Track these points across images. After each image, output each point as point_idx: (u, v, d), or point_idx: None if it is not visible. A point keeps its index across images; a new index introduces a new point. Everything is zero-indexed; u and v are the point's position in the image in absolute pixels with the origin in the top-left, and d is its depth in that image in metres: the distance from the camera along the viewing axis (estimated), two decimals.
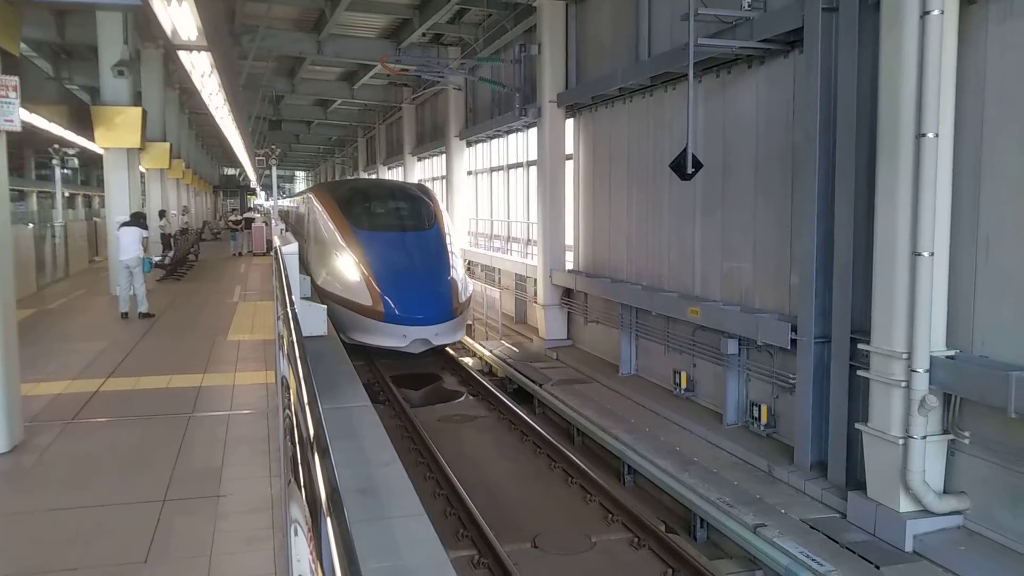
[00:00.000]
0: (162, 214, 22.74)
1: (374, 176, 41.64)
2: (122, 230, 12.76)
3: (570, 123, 17.67)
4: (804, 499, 9.06)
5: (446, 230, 18.22)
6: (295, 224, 28.69)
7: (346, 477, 5.91)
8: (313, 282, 17.15)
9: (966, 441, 7.74)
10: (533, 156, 19.52)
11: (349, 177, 50.97)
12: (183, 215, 28.80)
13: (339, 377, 9.29)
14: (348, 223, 17.32)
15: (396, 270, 16.12)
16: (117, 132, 14.41)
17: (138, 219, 13.08)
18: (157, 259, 18.21)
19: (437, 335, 15.56)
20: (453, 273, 16.75)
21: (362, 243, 16.67)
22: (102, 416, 7.11)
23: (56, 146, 22.97)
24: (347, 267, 16.39)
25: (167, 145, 21.02)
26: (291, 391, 4.09)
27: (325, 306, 13.22)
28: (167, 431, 6.66)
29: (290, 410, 3.90)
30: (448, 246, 17.56)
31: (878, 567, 7.40)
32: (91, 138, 15.10)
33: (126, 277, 12.41)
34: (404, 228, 17.86)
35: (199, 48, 12.16)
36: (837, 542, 7.93)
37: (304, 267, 17.69)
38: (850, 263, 8.82)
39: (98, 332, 11.32)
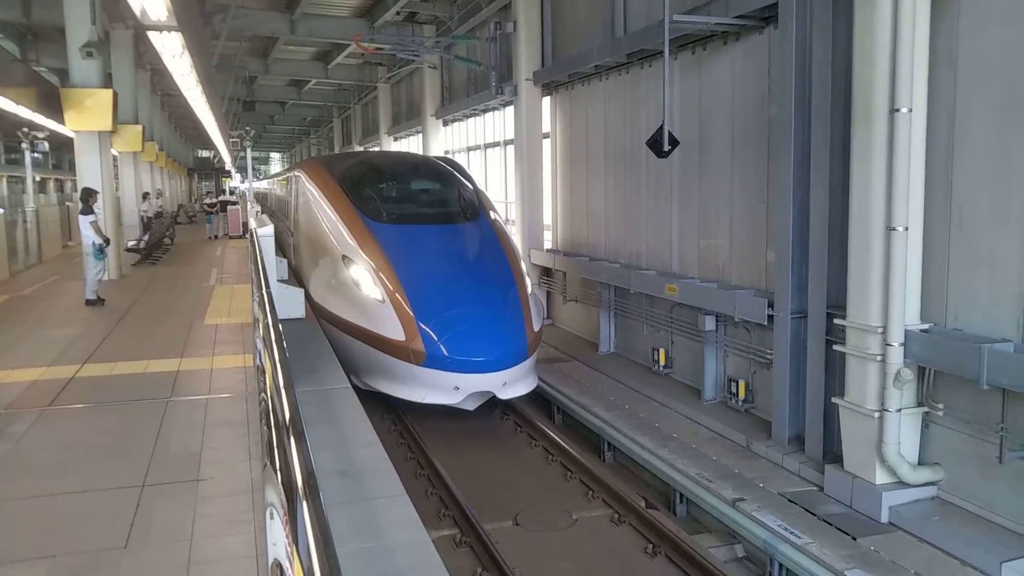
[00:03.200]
0: (145, 196, 22.49)
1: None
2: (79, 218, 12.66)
3: (547, 101, 17.61)
4: (782, 473, 9.17)
5: (497, 221, 13.13)
6: (276, 210, 23.50)
7: (326, 459, 5.92)
8: (306, 293, 12.77)
9: (940, 413, 7.84)
10: (510, 135, 19.46)
11: (348, 150, 41.07)
12: (157, 198, 28.51)
13: (318, 359, 9.27)
14: (358, 212, 12.13)
15: (439, 285, 10.97)
16: (88, 115, 14.20)
17: (86, 198, 12.80)
18: (132, 243, 18.08)
19: (506, 385, 10.64)
20: (520, 287, 11.59)
21: (382, 243, 11.44)
22: (79, 402, 7.06)
23: (25, 129, 22.62)
24: (361, 280, 11.16)
25: (139, 127, 20.73)
26: (267, 374, 4.07)
27: (302, 289, 12.41)
28: (145, 416, 6.62)
29: (266, 394, 3.89)
30: (506, 245, 12.40)
31: (855, 538, 7.51)
32: (61, 121, 14.88)
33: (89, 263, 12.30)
34: (438, 219, 12.68)
35: (169, 28, 12.02)
36: (814, 515, 8.04)
37: (292, 272, 15.10)
38: (825, 238, 8.88)
39: (73, 318, 11.21)
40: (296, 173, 16.13)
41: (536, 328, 11.24)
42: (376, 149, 34.44)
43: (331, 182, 13.26)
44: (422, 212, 12.98)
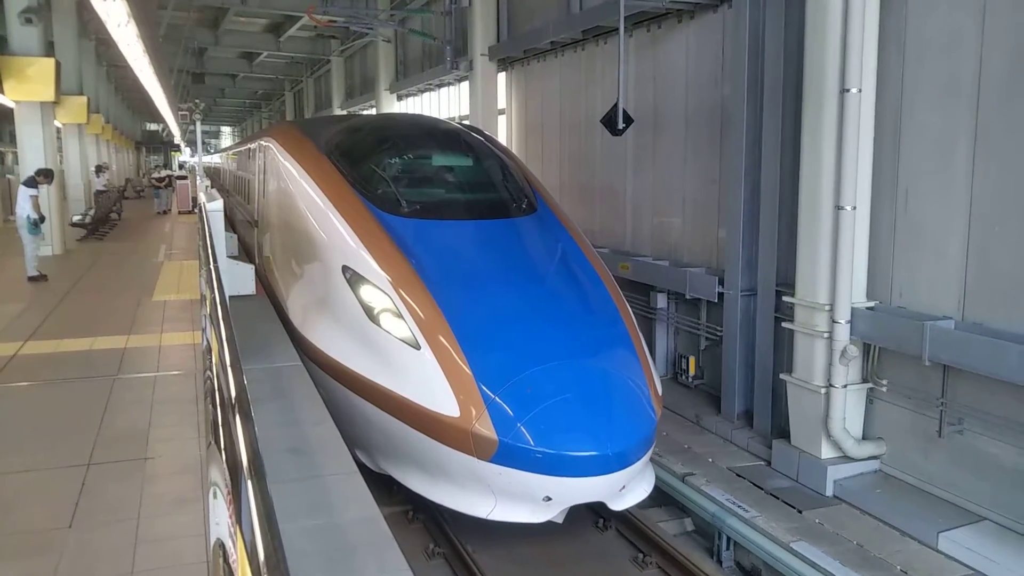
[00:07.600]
0: (99, 170, 21.92)
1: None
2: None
3: (502, 77, 17.51)
4: (731, 448, 9.33)
5: (564, 214, 9.00)
6: (233, 190, 19.01)
7: (277, 436, 5.86)
8: (281, 316, 9.40)
9: (884, 389, 8.05)
10: (465, 110, 19.32)
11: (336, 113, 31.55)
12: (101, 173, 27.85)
13: (270, 336, 9.14)
14: (362, 200, 8.10)
15: (508, 322, 6.97)
16: (29, 84, 13.75)
17: (35, 176, 12.46)
18: (77, 218, 17.62)
19: (624, 489, 6.71)
20: (628, 321, 7.63)
21: (406, 248, 7.50)
22: (21, 380, 6.88)
23: None
24: (378, 307, 7.13)
25: (84, 99, 20.14)
26: (213, 353, 4.01)
27: (252, 265, 11.30)
28: (91, 394, 6.48)
29: (212, 372, 3.83)
30: (588, 252, 8.36)
31: (800, 511, 7.69)
32: (0, 90, 14.40)
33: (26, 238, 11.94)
34: (485, 211, 8.52)
35: None
36: (762, 489, 8.21)
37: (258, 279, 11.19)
38: (776, 217, 9.00)
39: (15, 294, 10.90)
40: (264, 142, 11.69)
41: (660, 390, 7.30)
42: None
43: (319, 156, 9.10)
44: (458, 200, 8.82)
